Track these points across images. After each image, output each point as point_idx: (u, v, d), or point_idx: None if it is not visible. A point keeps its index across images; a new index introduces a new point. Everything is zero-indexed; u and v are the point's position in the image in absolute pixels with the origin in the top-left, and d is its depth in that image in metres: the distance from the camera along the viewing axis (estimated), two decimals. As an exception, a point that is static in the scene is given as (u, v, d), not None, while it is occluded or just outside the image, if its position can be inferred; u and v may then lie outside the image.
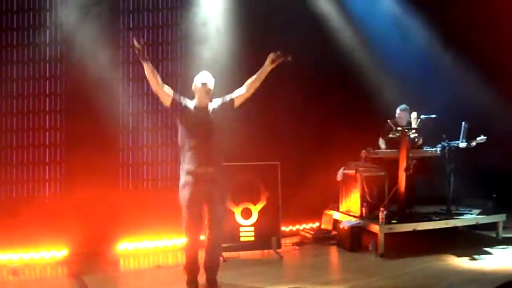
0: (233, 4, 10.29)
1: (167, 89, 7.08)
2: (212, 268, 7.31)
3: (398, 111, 10.55)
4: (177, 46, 10.44)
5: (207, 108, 7.10)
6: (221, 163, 7.21)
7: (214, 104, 7.15)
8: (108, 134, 9.69)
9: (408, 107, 10.41)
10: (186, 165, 7.01)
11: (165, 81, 7.18)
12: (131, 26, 10.05)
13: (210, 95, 7.10)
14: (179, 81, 10.17)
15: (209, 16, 10.14)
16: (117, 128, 9.98)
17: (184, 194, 7.04)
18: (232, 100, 7.17)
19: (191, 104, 7.12)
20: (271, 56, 6.93)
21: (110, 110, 9.62)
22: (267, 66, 6.98)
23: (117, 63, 9.88)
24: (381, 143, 10.55)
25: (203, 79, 7.04)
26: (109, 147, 9.74)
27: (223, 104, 7.15)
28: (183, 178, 7.06)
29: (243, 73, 7.54)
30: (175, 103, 7.04)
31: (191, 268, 7.30)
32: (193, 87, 7.14)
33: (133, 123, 10.13)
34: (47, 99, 9.67)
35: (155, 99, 9.95)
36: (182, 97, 7.15)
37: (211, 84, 7.08)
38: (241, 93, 7.16)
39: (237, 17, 10.25)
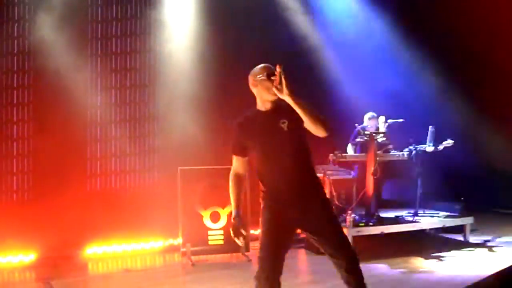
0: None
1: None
2: None
3: (366, 119, 10.61)
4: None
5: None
6: None
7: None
8: (75, 128, 9.61)
9: (375, 115, 10.48)
10: None
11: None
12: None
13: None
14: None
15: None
16: (84, 122, 9.89)
17: None
18: None
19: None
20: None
21: (77, 104, 9.55)
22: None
23: (85, 55, 9.83)
24: (349, 149, 10.62)
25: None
26: (76, 141, 9.66)
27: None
28: None
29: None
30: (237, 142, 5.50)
31: None
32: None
33: (101, 117, 10.05)
34: (14, 92, 9.59)
35: (123, 91, 10.00)
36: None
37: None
38: None
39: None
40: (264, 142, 5.24)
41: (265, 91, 5.19)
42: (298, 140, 5.29)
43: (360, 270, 5.30)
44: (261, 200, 5.36)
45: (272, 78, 5.07)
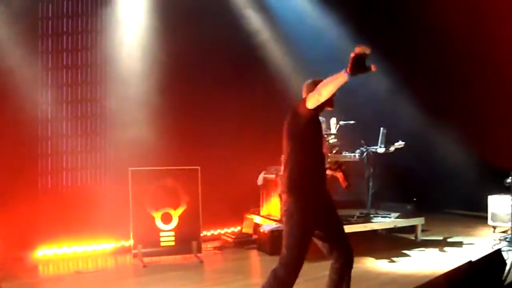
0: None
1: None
2: None
3: None
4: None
5: None
6: None
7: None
8: (25, 126, 9.33)
9: (324, 118, 10.51)
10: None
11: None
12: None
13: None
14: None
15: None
16: (35, 119, 9.64)
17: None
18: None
19: None
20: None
21: (27, 101, 9.28)
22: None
23: (35, 52, 9.67)
24: None
25: None
26: (27, 139, 9.44)
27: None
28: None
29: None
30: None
31: None
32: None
33: (52, 113, 9.86)
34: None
35: (74, 88, 9.87)
36: None
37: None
38: None
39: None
40: (320, 140, 5.57)
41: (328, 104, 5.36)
42: None
43: None
44: (295, 197, 5.42)
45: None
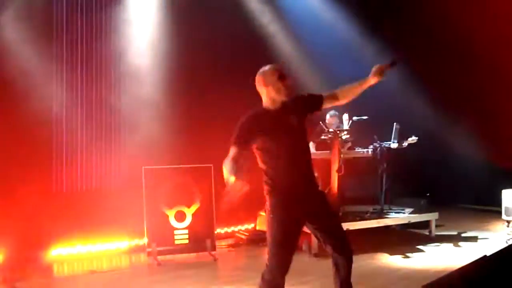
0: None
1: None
2: None
3: (327, 116, 10.58)
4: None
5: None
6: None
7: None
8: (40, 127, 9.26)
9: (337, 113, 10.48)
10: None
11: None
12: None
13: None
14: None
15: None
16: (49, 121, 9.60)
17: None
18: (321, 98, 5.57)
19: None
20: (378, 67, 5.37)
21: (42, 102, 9.27)
22: (372, 80, 5.38)
23: (49, 52, 9.66)
24: (311, 146, 10.61)
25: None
26: (41, 141, 9.43)
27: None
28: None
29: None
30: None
31: None
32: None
33: (66, 113, 9.82)
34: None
35: (88, 87, 9.87)
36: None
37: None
38: (333, 96, 5.59)
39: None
40: (278, 138, 5.27)
41: (276, 92, 5.30)
42: (305, 136, 5.47)
43: None
44: (268, 196, 5.35)
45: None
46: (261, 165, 5.42)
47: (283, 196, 5.28)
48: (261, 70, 5.44)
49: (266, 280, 5.34)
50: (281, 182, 5.31)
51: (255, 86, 5.09)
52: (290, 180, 5.30)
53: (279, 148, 5.28)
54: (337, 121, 10.36)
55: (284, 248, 5.28)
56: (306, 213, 5.31)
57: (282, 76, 5.30)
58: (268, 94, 5.36)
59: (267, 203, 5.36)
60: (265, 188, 5.40)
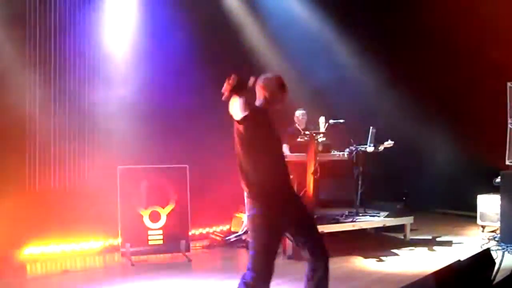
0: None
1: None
2: None
3: (297, 114, 10.57)
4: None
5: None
6: None
7: None
8: (13, 123, 9.15)
9: (304, 111, 10.50)
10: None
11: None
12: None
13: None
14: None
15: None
16: (23, 117, 9.42)
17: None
18: None
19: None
20: None
21: (14, 101, 9.15)
22: None
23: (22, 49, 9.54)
24: (285, 148, 10.56)
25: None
26: (14, 138, 9.28)
27: None
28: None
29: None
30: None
31: None
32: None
33: (39, 112, 9.61)
34: None
35: (62, 86, 9.76)
36: None
37: None
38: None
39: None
40: (271, 138, 5.43)
41: (274, 101, 5.44)
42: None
43: None
44: (254, 200, 5.31)
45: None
46: (245, 167, 5.38)
47: (272, 199, 5.27)
48: (268, 74, 5.56)
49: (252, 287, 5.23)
50: (268, 184, 5.31)
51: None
52: (278, 183, 5.38)
53: (270, 150, 5.40)
54: (305, 118, 10.42)
55: (273, 253, 5.29)
56: (289, 216, 5.34)
57: (282, 87, 5.43)
58: (263, 96, 5.44)
59: (252, 207, 5.32)
60: (250, 191, 5.35)
